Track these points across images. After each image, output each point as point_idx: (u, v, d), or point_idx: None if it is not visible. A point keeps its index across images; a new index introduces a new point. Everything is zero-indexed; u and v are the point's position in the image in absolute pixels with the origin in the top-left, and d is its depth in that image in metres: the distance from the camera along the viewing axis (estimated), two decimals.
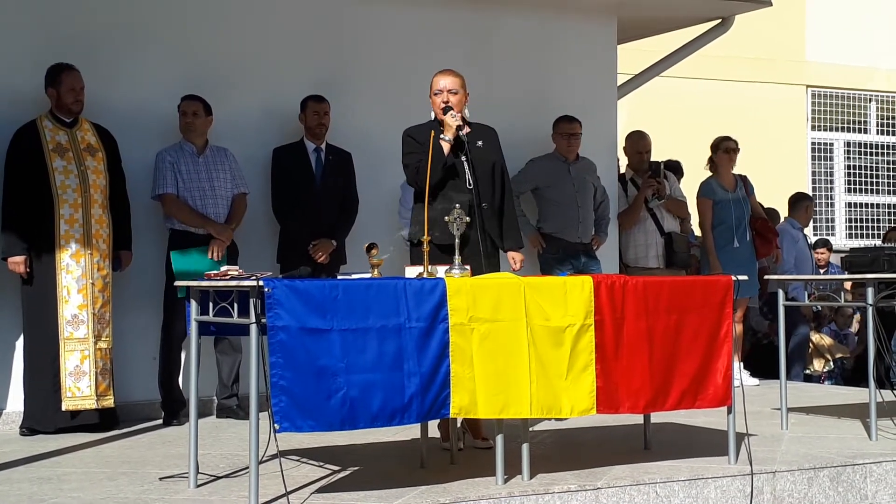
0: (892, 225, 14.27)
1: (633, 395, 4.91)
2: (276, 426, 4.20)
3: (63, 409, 6.36)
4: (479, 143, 5.58)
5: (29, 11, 6.88)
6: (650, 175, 8.58)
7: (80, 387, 6.38)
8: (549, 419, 5.45)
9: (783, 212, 10.34)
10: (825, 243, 11.55)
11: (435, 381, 4.49)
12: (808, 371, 10.45)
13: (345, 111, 7.49)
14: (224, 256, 6.77)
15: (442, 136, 5.42)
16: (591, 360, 4.80)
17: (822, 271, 10.92)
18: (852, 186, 14.92)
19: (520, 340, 4.65)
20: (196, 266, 6.58)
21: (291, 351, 4.23)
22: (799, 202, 10.19)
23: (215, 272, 4.70)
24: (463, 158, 5.48)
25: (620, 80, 9.12)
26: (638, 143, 8.77)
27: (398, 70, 7.84)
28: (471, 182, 5.46)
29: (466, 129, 5.54)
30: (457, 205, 5.08)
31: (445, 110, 5.44)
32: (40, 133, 6.48)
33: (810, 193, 13.53)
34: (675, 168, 9.38)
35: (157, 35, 7.23)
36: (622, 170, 9.03)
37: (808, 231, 12.08)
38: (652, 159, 8.77)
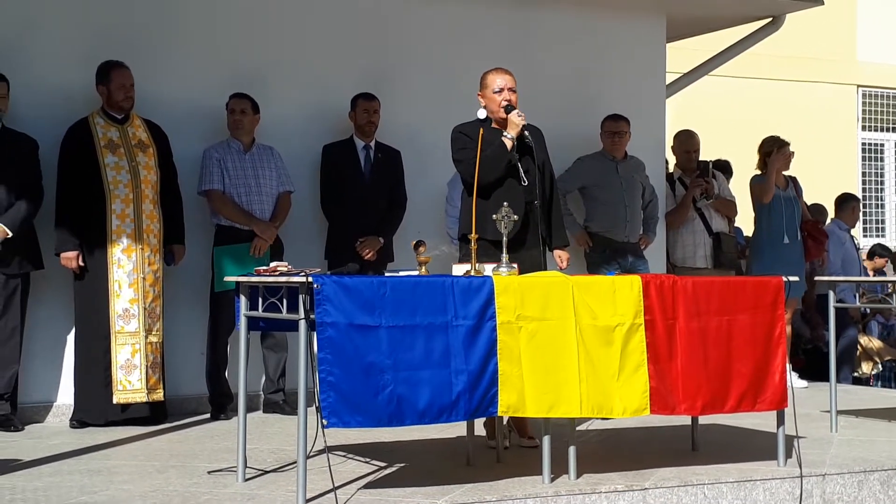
0: None
1: (690, 397, 4.87)
2: (324, 422, 4.22)
3: (114, 402, 6.42)
4: (528, 142, 5.58)
5: (81, 10, 6.95)
6: (698, 175, 8.52)
7: (130, 380, 6.45)
8: (597, 419, 5.43)
9: (831, 211, 10.24)
10: (882, 251, 11.29)
11: (483, 378, 4.49)
12: (856, 374, 10.33)
13: (392, 109, 7.50)
14: (267, 254, 6.81)
15: (505, 133, 5.44)
16: (642, 360, 4.77)
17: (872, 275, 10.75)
18: None
19: (568, 339, 4.64)
20: (238, 263, 6.63)
21: (340, 347, 4.24)
22: (845, 203, 10.09)
23: (265, 268, 4.73)
24: (519, 156, 5.50)
25: (669, 78, 9.06)
26: (686, 142, 8.71)
27: (446, 67, 7.84)
28: (524, 180, 5.49)
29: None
30: (505, 203, 5.08)
31: (508, 109, 5.46)
32: (92, 129, 6.55)
33: (860, 195, 13.39)
34: (723, 168, 9.31)
35: (207, 32, 7.28)
36: (670, 169, 8.98)
37: (857, 232, 11.94)
38: (700, 159, 8.72)
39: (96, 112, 6.63)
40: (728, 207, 8.68)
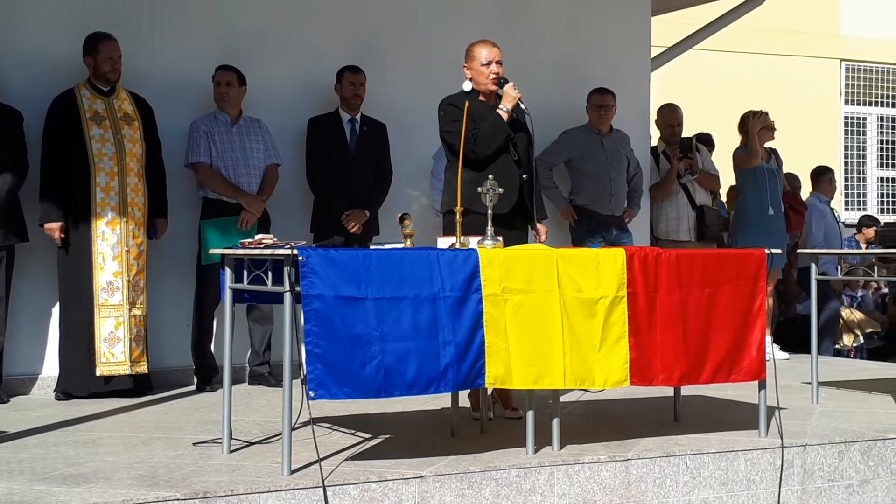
0: None
1: (667, 368, 4.91)
2: (311, 393, 4.23)
3: (97, 374, 6.43)
4: (514, 115, 5.60)
5: None
6: (681, 155, 8.51)
7: (114, 353, 6.46)
8: (581, 390, 5.46)
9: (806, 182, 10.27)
10: (869, 221, 11.31)
11: (470, 350, 4.50)
12: (837, 346, 10.41)
13: (379, 82, 7.49)
14: (254, 227, 6.81)
15: (500, 106, 5.46)
16: (623, 332, 4.80)
17: (864, 247, 10.78)
18: (885, 161, 14.81)
19: (553, 312, 4.67)
20: (225, 236, 6.63)
21: (326, 319, 4.25)
22: (822, 175, 10.13)
23: (250, 240, 4.73)
24: (516, 132, 5.54)
25: (653, 52, 9.07)
26: (670, 116, 8.73)
27: (432, 41, 7.83)
28: (515, 154, 5.52)
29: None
30: (490, 176, 5.09)
31: (501, 82, 5.47)
32: (78, 101, 6.53)
33: (843, 168, 13.45)
34: (706, 141, 9.34)
35: (194, 4, 7.24)
36: (654, 143, 9.00)
37: (840, 206, 11.99)
38: (683, 134, 8.73)
39: (82, 84, 6.60)
40: (711, 181, 8.71)
